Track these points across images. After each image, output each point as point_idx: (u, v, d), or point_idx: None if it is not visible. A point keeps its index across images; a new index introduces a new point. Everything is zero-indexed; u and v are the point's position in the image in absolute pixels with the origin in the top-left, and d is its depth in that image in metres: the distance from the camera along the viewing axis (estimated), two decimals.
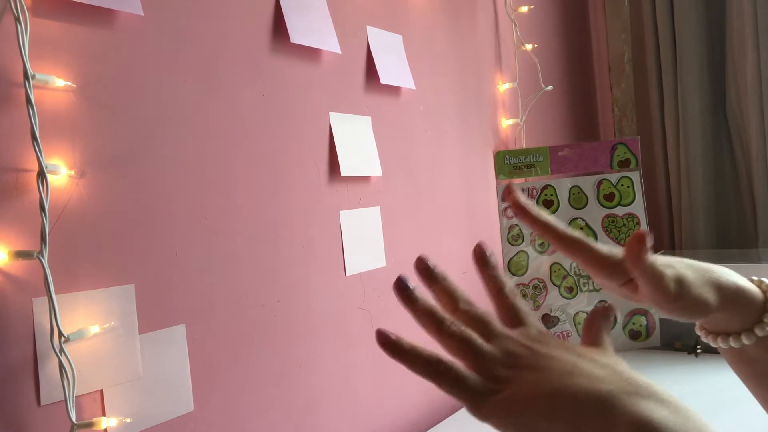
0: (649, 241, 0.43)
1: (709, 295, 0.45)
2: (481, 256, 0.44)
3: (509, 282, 0.43)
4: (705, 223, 1.62)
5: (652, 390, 0.34)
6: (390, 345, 0.38)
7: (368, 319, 0.96)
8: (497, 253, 1.30)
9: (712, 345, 0.49)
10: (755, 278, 0.49)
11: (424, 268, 0.42)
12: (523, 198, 0.47)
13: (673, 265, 0.46)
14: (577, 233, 0.47)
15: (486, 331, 0.40)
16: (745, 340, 0.46)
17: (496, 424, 0.36)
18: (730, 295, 0.46)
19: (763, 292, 0.47)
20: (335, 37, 0.92)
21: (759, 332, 0.46)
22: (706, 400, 0.99)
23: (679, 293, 0.44)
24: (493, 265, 0.44)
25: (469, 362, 0.38)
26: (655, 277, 0.43)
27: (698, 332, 0.50)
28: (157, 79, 0.69)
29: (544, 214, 0.47)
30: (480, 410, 0.36)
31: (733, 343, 0.47)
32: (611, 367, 0.36)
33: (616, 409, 0.33)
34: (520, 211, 0.47)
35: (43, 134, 0.57)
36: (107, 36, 0.65)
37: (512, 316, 0.42)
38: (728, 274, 0.47)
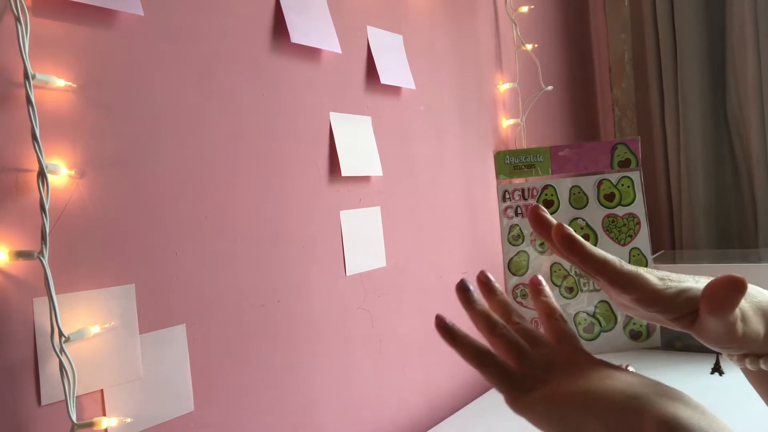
0: (746, 289, 0.37)
1: (761, 327, 0.41)
2: (537, 288, 0.48)
3: (517, 308, 0.47)
4: (705, 223, 1.62)
5: (680, 394, 0.36)
6: (446, 329, 0.43)
7: (368, 319, 0.95)
8: (498, 254, 1.30)
9: (739, 366, 0.45)
10: None
11: (485, 281, 0.47)
12: (569, 231, 0.41)
13: None
14: (633, 268, 0.41)
15: (532, 342, 0.43)
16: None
17: (530, 417, 0.39)
18: None
19: None
20: (335, 36, 0.92)
21: None
22: (706, 400, 0.99)
23: (744, 333, 0.40)
24: (499, 291, 0.48)
25: (514, 362, 0.42)
26: (732, 319, 0.39)
27: (727, 356, 0.45)
28: (157, 79, 0.69)
29: (597, 250, 0.41)
30: (517, 403, 0.40)
31: (764, 366, 0.43)
32: (644, 378, 0.38)
33: (646, 409, 0.35)
34: (571, 245, 0.41)
35: (44, 134, 0.57)
36: (107, 36, 0.65)
37: (560, 336, 0.45)
38: (764, 294, 0.43)
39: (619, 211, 1.29)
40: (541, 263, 1.25)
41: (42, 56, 0.59)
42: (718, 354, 0.49)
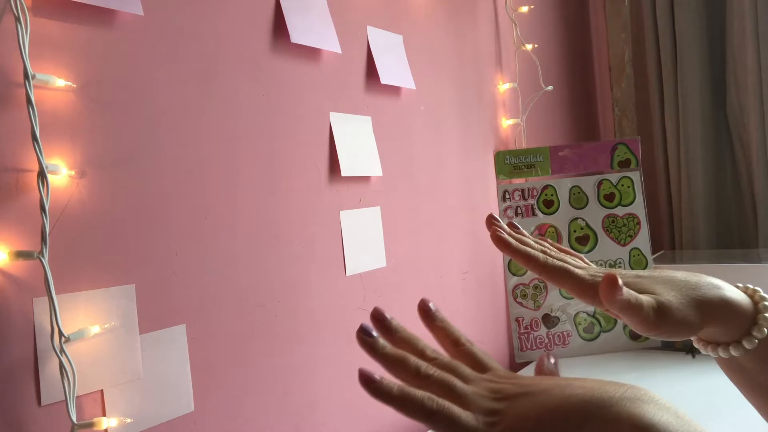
0: (621, 282, 0.42)
1: (692, 316, 0.45)
2: (425, 312, 0.43)
3: (461, 332, 0.43)
4: (705, 223, 1.62)
5: (652, 396, 0.34)
6: (375, 387, 0.35)
7: (368, 319, 0.95)
8: (497, 254, 1.30)
9: (705, 353, 0.49)
10: (749, 286, 0.48)
11: (380, 318, 0.41)
12: (503, 231, 0.48)
13: (654, 289, 0.45)
14: (559, 262, 0.47)
15: (461, 376, 0.38)
16: (734, 352, 0.46)
17: None
18: (715, 311, 0.45)
19: (755, 302, 0.46)
20: (335, 37, 0.92)
21: (747, 344, 0.45)
22: (706, 401, 0.99)
23: (658, 322, 0.44)
24: (441, 318, 0.43)
25: (456, 401, 0.36)
26: (633, 310, 0.43)
27: (692, 339, 0.50)
28: (157, 79, 0.69)
29: (524, 246, 0.48)
30: None
31: (722, 354, 0.47)
32: (602, 381, 0.36)
33: (620, 414, 0.33)
34: (501, 244, 0.48)
35: (43, 134, 0.57)
36: (107, 36, 0.65)
37: (476, 364, 0.41)
38: (715, 288, 0.46)
39: (619, 211, 1.29)
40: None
41: (42, 56, 0.59)
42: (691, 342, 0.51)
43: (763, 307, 0.46)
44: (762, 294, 0.47)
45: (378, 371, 0.36)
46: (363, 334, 0.39)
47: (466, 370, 0.39)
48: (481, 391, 0.37)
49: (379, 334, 0.39)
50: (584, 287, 0.46)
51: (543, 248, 0.50)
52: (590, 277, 0.46)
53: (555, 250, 0.51)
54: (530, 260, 0.47)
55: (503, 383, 0.38)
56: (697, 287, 0.46)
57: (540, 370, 0.42)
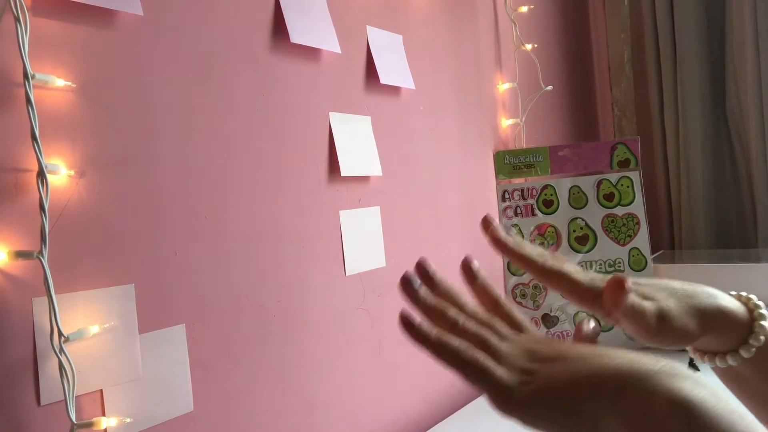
0: (629, 286, 0.42)
1: (691, 325, 0.44)
2: (468, 270, 0.44)
3: (500, 293, 0.43)
4: (705, 223, 1.62)
5: (689, 372, 0.34)
6: (414, 330, 0.37)
7: (368, 319, 0.96)
8: (497, 257, 1.30)
9: (709, 365, 0.48)
10: (743, 294, 0.47)
11: (424, 271, 0.42)
12: (500, 232, 0.47)
13: (654, 296, 0.45)
14: (557, 264, 0.46)
15: (498, 333, 0.39)
16: (731, 361, 0.46)
17: (524, 417, 0.34)
18: (712, 320, 0.45)
19: (750, 311, 0.46)
20: (335, 37, 0.92)
21: (744, 353, 0.45)
22: None
23: (660, 329, 0.43)
24: (483, 277, 0.44)
25: (490, 357, 0.36)
26: (636, 315, 0.42)
27: (688, 350, 0.49)
28: (157, 79, 0.69)
29: (523, 247, 0.47)
30: (507, 403, 0.34)
31: (719, 363, 0.46)
32: (639, 354, 0.35)
33: (657, 387, 0.32)
34: (498, 246, 0.47)
35: (43, 134, 0.57)
36: (107, 36, 0.65)
37: (514, 325, 0.41)
38: (712, 297, 0.46)
39: (619, 211, 1.29)
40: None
41: (42, 56, 0.59)
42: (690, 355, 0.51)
43: (759, 315, 0.46)
44: (756, 302, 0.47)
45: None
46: (406, 283, 0.40)
47: (504, 328, 0.40)
48: (517, 350, 0.37)
49: (421, 284, 0.40)
50: (582, 291, 0.45)
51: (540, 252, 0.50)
52: (589, 280, 0.45)
53: (552, 256, 0.51)
54: (528, 262, 0.46)
55: (539, 346, 0.38)
56: (693, 296, 0.46)
57: (578, 336, 0.42)
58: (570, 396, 0.34)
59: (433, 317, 0.39)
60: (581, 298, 0.45)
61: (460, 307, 0.40)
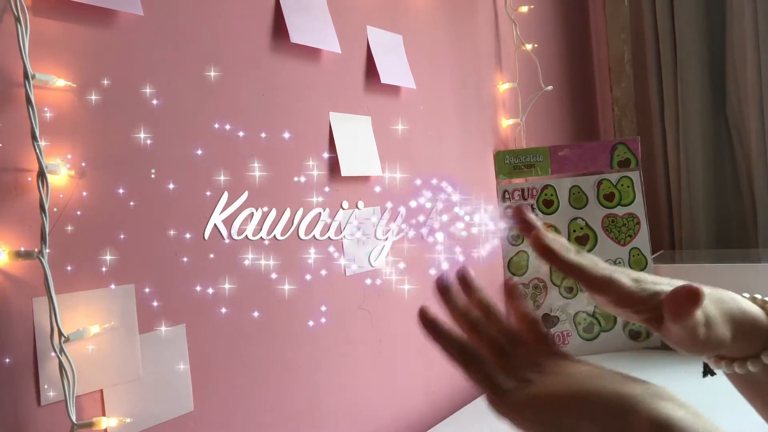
0: (705, 295, 0.39)
1: (726, 331, 0.42)
2: (509, 289, 0.45)
3: (533, 311, 0.45)
4: (705, 223, 1.62)
5: (671, 394, 0.36)
6: (429, 324, 0.41)
7: (368, 319, 0.96)
8: (497, 254, 1.30)
9: (724, 371, 0.46)
10: (758, 297, 0.46)
11: (466, 277, 0.45)
12: (547, 236, 0.42)
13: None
14: (607, 271, 0.42)
15: (512, 341, 0.42)
16: (751, 368, 0.44)
17: (515, 420, 0.37)
18: (739, 325, 0.43)
19: (767, 313, 0.44)
20: (335, 36, 0.92)
21: (766, 359, 0.43)
22: (706, 401, 0.99)
23: (707, 337, 0.41)
24: (522, 297, 0.46)
25: (497, 361, 0.40)
26: (691, 324, 0.40)
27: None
28: (157, 79, 0.69)
29: (572, 256, 0.42)
30: (502, 405, 0.38)
31: (738, 370, 0.45)
32: (632, 377, 0.38)
33: (638, 408, 0.34)
34: (547, 254, 0.42)
35: (43, 134, 0.57)
36: (107, 36, 0.65)
37: (535, 335, 0.44)
38: (735, 301, 0.44)
39: (619, 211, 1.29)
40: (540, 263, 1.25)
41: (42, 56, 0.59)
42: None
43: None
44: None
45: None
46: (441, 282, 0.43)
47: (521, 337, 0.43)
48: (524, 360, 0.41)
49: (459, 289, 0.44)
50: (631, 297, 0.42)
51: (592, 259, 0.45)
52: (640, 290, 0.42)
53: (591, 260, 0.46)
54: (580, 273, 0.42)
55: (547, 360, 0.41)
56: (722, 300, 0.43)
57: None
58: (553, 408, 0.36)
59: (457, 317, 0.43)
60: (628, 304, 0.42)
61: (488, 315, 0.43)
